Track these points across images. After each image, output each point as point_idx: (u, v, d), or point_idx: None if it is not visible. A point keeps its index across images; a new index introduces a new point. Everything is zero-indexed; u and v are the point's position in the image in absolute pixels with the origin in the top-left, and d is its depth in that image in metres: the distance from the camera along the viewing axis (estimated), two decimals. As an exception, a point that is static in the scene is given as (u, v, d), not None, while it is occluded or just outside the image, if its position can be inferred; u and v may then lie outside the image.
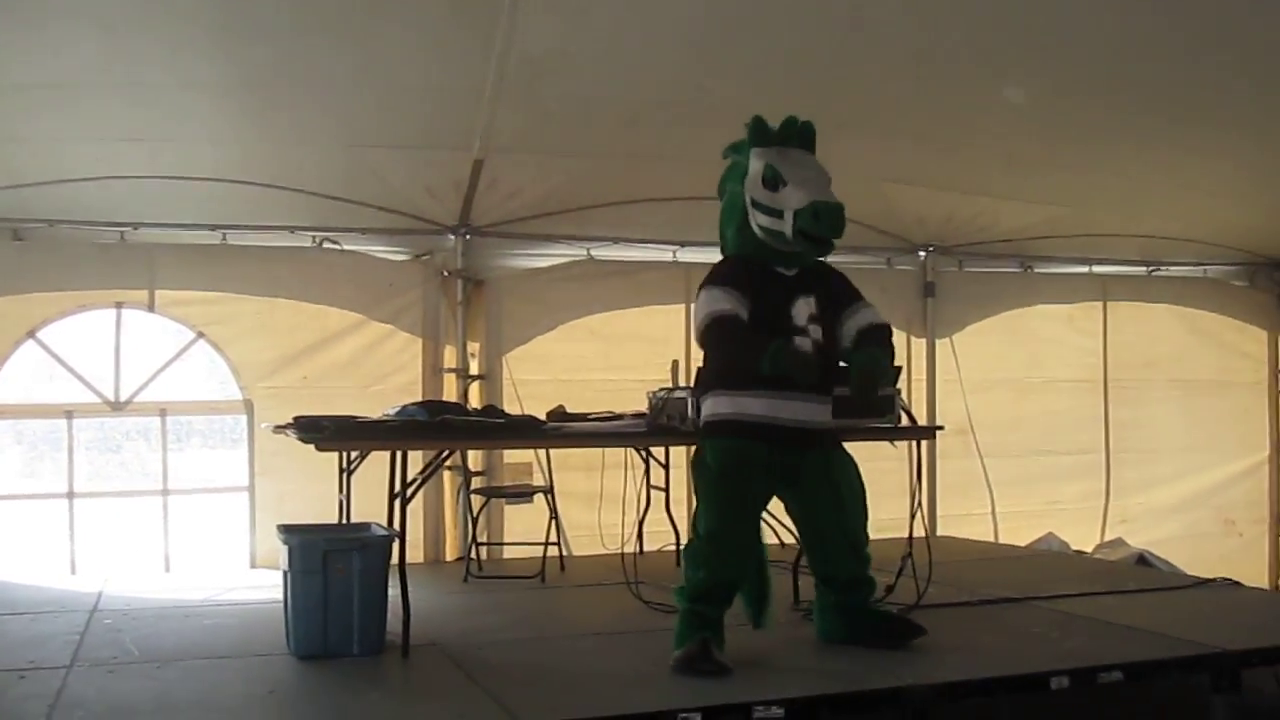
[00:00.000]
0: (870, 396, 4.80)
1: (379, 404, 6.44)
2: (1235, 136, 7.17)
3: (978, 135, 7.17)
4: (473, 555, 7.13)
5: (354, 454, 6.01)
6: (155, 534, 7.39)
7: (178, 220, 7.33)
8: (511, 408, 7.06)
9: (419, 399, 7.15)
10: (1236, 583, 6.63)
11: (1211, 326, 9.95)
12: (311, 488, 6.86)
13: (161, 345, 7.39)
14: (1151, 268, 9.79)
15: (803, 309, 4.77)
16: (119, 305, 7.30)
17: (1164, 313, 9.80)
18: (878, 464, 5.16)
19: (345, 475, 6.31)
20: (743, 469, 4.70)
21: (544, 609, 6.21)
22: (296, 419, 5.35)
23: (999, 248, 9.12)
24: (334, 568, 4.86)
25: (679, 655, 4.56)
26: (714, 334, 4.71)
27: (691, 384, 5.48)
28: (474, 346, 7.98)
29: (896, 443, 5.91)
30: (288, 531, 5.03)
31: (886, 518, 5.59)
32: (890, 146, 7.20)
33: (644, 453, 6.90)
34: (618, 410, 6.29)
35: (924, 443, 7.08)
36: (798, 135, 4.88)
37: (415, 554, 7.10)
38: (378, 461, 5.64)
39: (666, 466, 7.14)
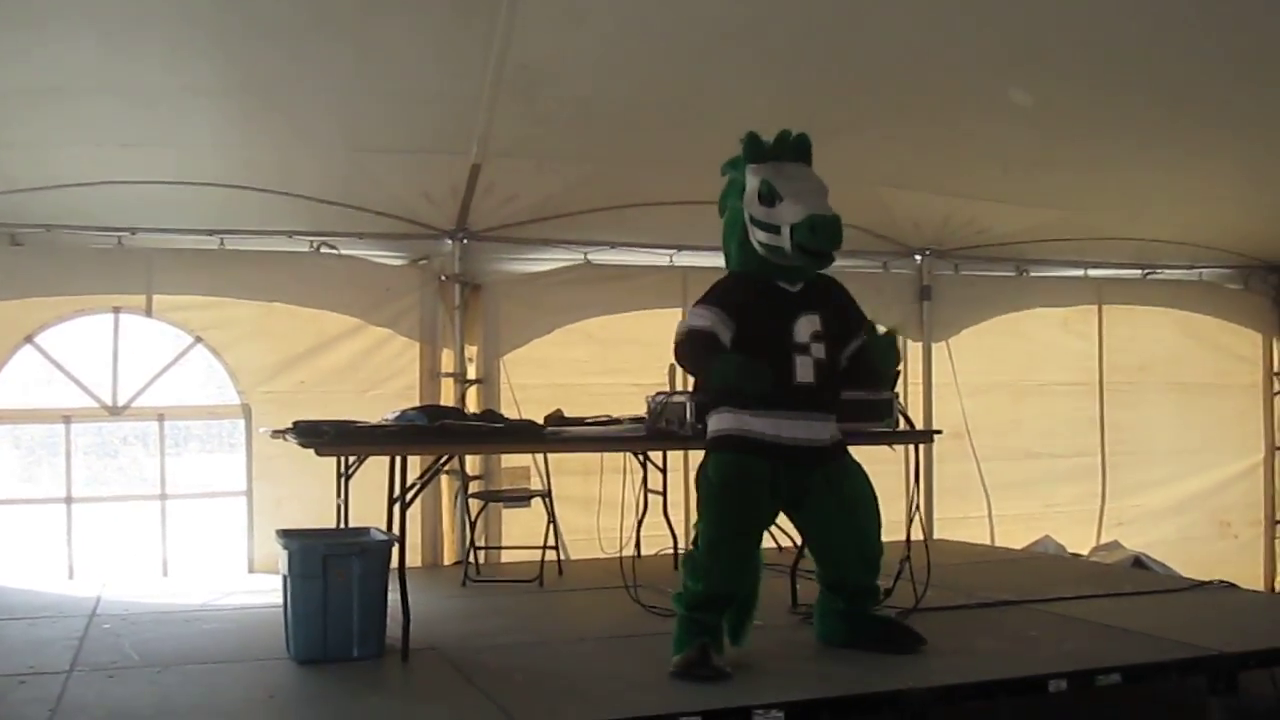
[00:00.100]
0: (888, 364, 4.91)
1: (377, 408, 6.44)
2: (1230, 140, 7.20)
3: (973, 140, 7.19)
4: (471, 559, 7.14)
5: (352, 459, 6.02)
6: (153, 539, 7.39)
7: (175, 225, 7.34)
8: (509, 412, 7.08)
9: (417, 404, 7.13)
10: (1233, 585, 6.66)
11: (1206, 329, 9.99)
12: (309, 492, 6.88)
13: (159, 350, 7.40)
14: (1146, 271, 9.82)
15: (805, 326, 4.78)
16: (117, 310, 7.30)
17: (1159, 316, 9.83)
18: (875, 467, 5.15)
19: (343, 480, 6.32)
20: (743, 483, 4.70)
21: (543, 613, 6.22)
22: (296, 424, 5.36)
23: (994, 251, 9.14)
24: (334, 572, 4.86)
25: (678, 661, 4.57)
26: (684, 349, 4.75)
27: (690, 389, 5.50)
28: (471, 351, 7.99)
29: (894, 446, 5.93)
30: (287, 536, 5.03)
31: (884, 521, 5.58)
32: (886, 151, 7.22)
33: (641, 457, 6.91)
34: (615, 414, 6.30)
35: (921, 446, 7.12)
36: (792, 149, 4.88)
37: (413, 558, 7.09)
38: (375, 466, 5.64)
39: (664, 470, 7.15)
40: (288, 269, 7.59)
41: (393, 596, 5.00)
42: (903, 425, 5.87)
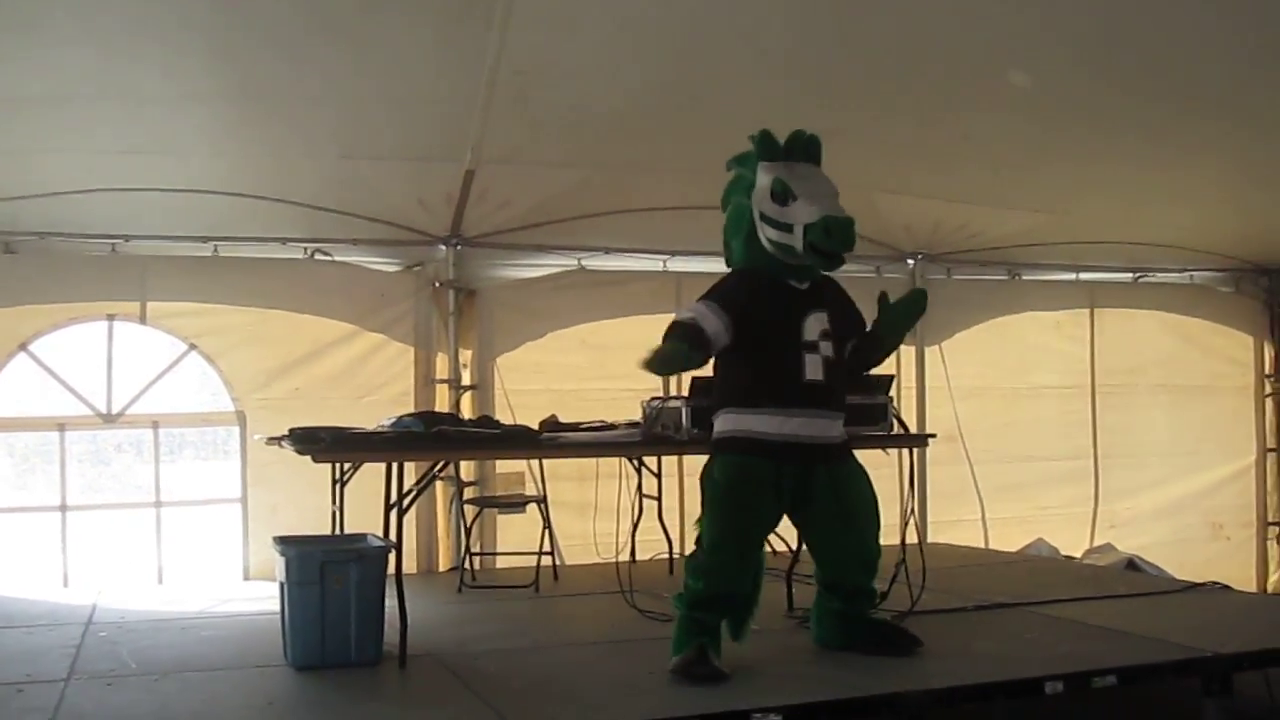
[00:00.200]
0: (907, 318, 4.99)
1: (372, 414, 6.46)
2: (1220, 143, 7.22)
3: (966, 144, 7.20)
4: (466, 565, 7.15)
5: (347, 465, 6.03)
6: (148, 546, 7.39)
7: (169, 232, 7.34)
8: (503, 417, 7.08)
9: (412, 409, 7.17)
10: (1226, 587, 6.68)
11: (1198, 332, 10.04)
12: (304, 499, 6.90)
13: (153, 357, 7.40)
14: (1138, 274, 9.87)
15: (814, 324, 4.79)
16: (111, 317, 7.30)
17: (1150, 319, 9.87)
18: (870, 471, 5.16)
19: (339, 486, 6.34)
20: (748, 485, 4.71)
21: (539, 618, 6.23)
22: (293, 431, 5.37)
23: (986, 255, 9.17)
24: (331, 579, 4.86)
25: (677, 661, 4.59)
26: (667, 334, 4.74)
27: (686, 393, 5.53)
28: (466, 356, 8.01)
29: (888, 450, 5.96)
30: (285, 543, 5.04)
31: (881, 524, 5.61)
32: (878, 155, 7.22)
33: (636, 462, 6.93)
34: (610, 419, 6.32)
35: (915, 450, 7.14)
36: (804, 149, 4.90)
37: (408, 564, 7.04)
38: (369, 473, 5.66)
39: (659, 475, 7.17)
40: (282, 276, 7.60)
41: (389, 603, 5.00)
42: (897, 429, 5.90)
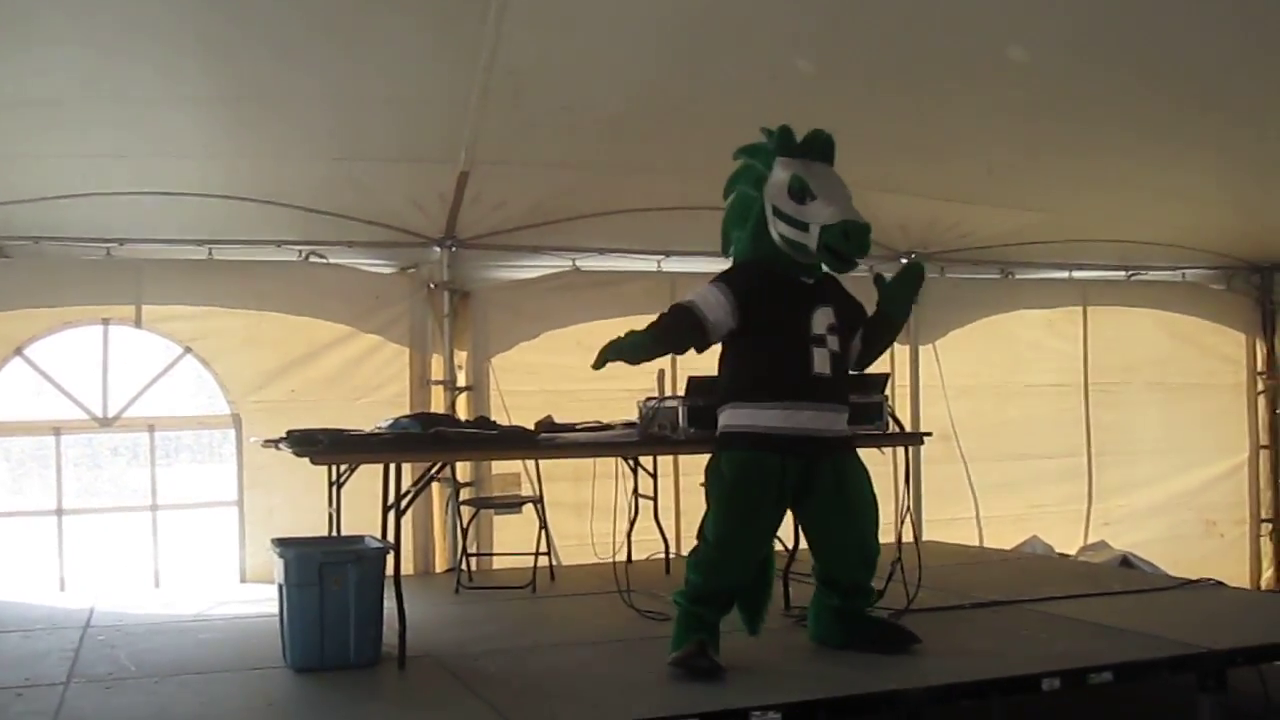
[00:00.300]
0: (907, 289, 5.02)
1: (367, 416, 6.46)
2: (1213, 143, 7.24)
3: (959, 143, 7.22)
4: (463, 566, 7.16)
5: (343, 467, 6.04)
6: (145, 550, 7.38)
7: (164, 236, 7.34)
8: (498, 419, 7.07)
9: (408, 411, 7.18)
10: (1220, 583, 6.72)
11: (1191, 330, 10.07)
12: (300, 501, 6.90)
13: (149, 361, 7.39)
14: (1131, 272, 9.90)
15: (821, 319, 4.81)
16: (106, 321, 7.29)
17: (1143, 317, 9.90)
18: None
19: (335, 488, 6.35)
20: (755, 481, 4.72)
21: (537, 619, 6.24)
22: (290, 433, 5.38)
23: (980, 254, 9.19)
24: (330, 580, 4.87)
25: (676, 656, 4.61)
26: (663, 315, 4.82)
27: (683, 392, 5.54)
28: (461, 357, 8.01)
29: (884, 449, 5.98)
30: (283, 545, 5.05)
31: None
32: (873, 154, 7.20)
33: (632, 462, 6.95)
34: (605, 420, 6.33)
35: (910, 448, 7.17)
36: (821, 149, 4.91)
37: (405, 566, 7.05)
38: (365, 475, 5.68)
39: (655, 475, 7.18)
40: (277, 278, 7.60)
41: (388, 604, 5.01)
42: (892, 428, 5.92)
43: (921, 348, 9.15)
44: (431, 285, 7.91)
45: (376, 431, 5.51)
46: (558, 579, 7.17)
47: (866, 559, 4.97)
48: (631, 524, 6.60)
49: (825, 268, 4.90)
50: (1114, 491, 9.65)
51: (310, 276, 7.68)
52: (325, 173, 7.03)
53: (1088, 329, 9.72)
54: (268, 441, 6.05)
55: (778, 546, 5.55)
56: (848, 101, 6.51)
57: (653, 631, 5.35)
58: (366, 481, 5.61)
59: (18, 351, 7.12)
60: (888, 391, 5.98)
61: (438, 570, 7.81)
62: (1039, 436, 9.47)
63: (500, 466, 7.70)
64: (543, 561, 7.00)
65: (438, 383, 7.91)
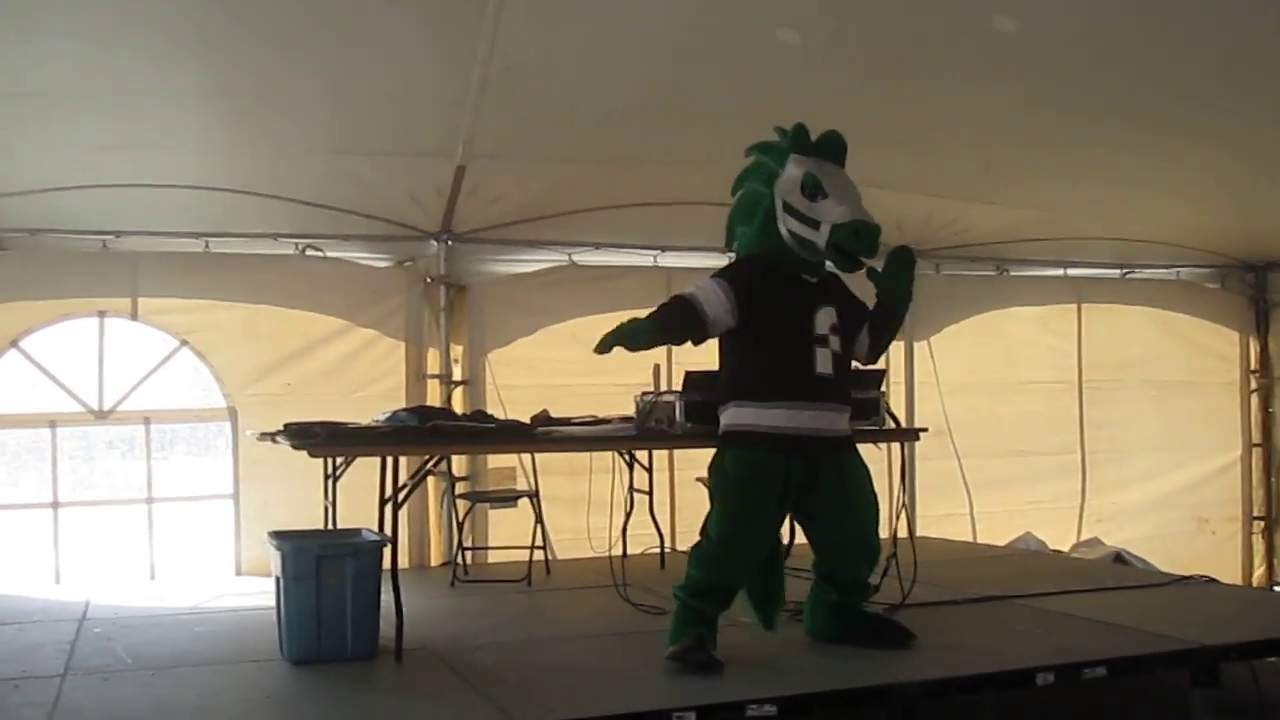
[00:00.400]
0: (900, 273, 5.05)
1: (363, 410, 6.46)
2: (1207, 141, 7.27)
3: (955, 140, 7.24)
4: (459, 560, 7.17)
5: (339, 460, 6.04)
6: (140, 542, 7.38)
7: (161, 228, 7.34)
8: (494, 413, 7.06)
9: (404, 405, 7.16)
10: (1213, 580, 6.74)
11: (1184, 328, 10.10)
12: (296, 494, 6.89)
13: (145, 353, 7.38)
14: (1125, 270, 9.93)
15: (824, 318, 4.82)
16: (102, 314, 7.28)
17: (1138, 314, 9.93)
18: (862, 466, 5.22)
19: (331, 481, 6.34)
20: (759, 480, 4.73)
21: (533, 612, 6.25)
22: (288, 426, 5.38)
23: (975, 251, 9.21)
24: (327, 573, 4.88)
25: (674, 649, 4.63)
26: (661, 307, 4.84)
27: (679, 387, 5.55)
28: (457, 352, 8.01)
29: (879, 444, 5.99)
30: (280, 538, 5.05)
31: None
32: (868, 151, 7.17)
33: (627, 456, 6.95)
34: (601, 414, 6.34)
35: (904, 444, 7.18)
36: (833, 150, 4.93)
37: (401, 559, 7.09)
38: (359, 468, 5.68)
39: (650, 470, 7.19)
40: (273, 271, 7.60)
41: (384, 598, 5.02)
42: (888, 424, 5.93)
43: (916, 344, 9.16)
44: (428, 279, 7.92)
45: (374, 425, 5.51)
46: (553, 573, 7.19)
47: (868, 556, 5.00)
48: (627, 518, 6.61)
49: (830, 266, 4.90)
50: (1107, 488, 9.68)
51: (307, 270, 7.68)
52: (322, 166, 7.03)
53: (1082, 326, 9.74)
54: (265, 434, 6.04)
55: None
56: (843, 98, 6.50)
57: (648, 625, 5.37)
58: (362, 475, 5.61)
59: (13, 344, 7.11)
60: (883, 388, 5.99)
61: (433, 564, 7.82)
62: (1033, 433, 9.49)
63: (496, 461, 7.71)
64: (538, 556, 7.01)
65: (434, 377, 7.91)
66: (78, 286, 7.23)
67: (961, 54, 6.17)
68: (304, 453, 5.11)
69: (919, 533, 8.44)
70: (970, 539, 8.87)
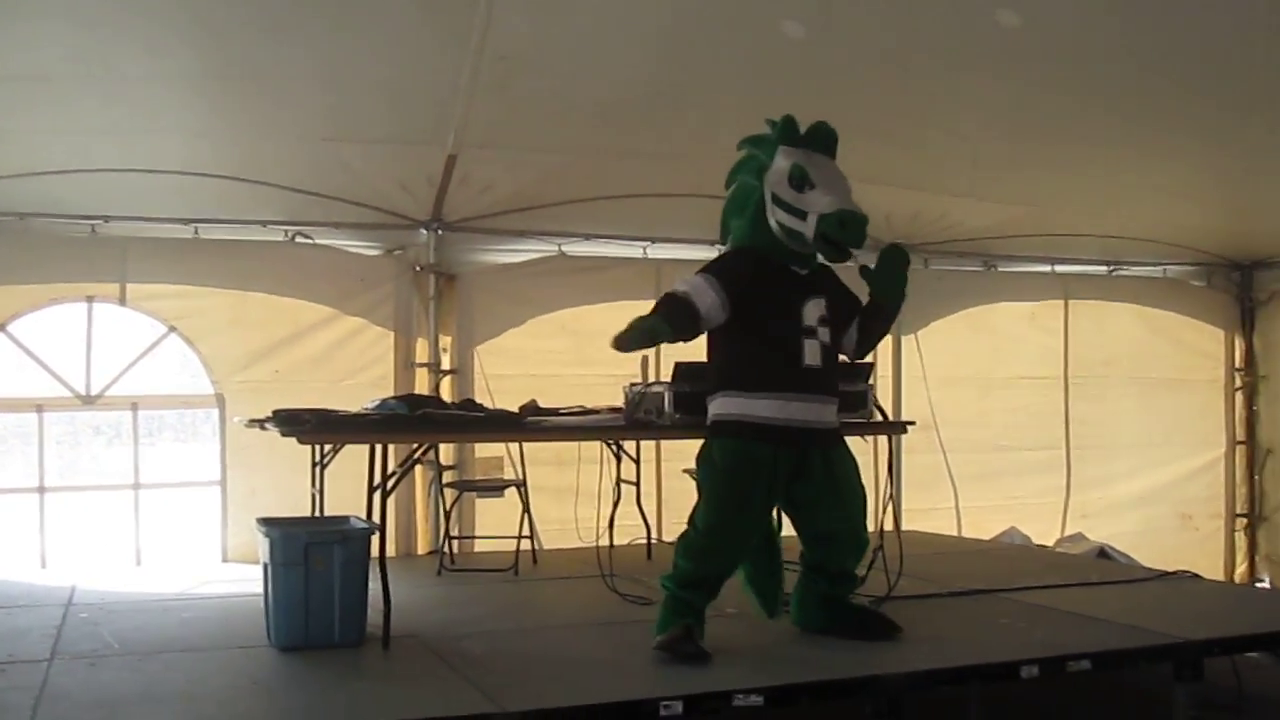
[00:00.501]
0: (894, 272, 5.02)
1: (351, 398, 6.46)
2: (1195, 140, 7.31)
3: (945, 136, 7.27)
4: (446, 549, 7.17)
5: (327, 448, 6.04)
6: (126, 528, 7.37)
7: (150, 214, 7.30)
8: (483, 402, 7.09)
9: (392, 393, 7.17)
10: (1196, 575, 6.79)
11: (1170, 325, 10.15)
12: (283, 481, 6.89)
13: (133, 339, 7.36)
14: (1112, 267, 9.95)
15: (813, 310, 4.84)
16: (90, 299, 7.26)
17: (1124, 311, 9.97)
18: (849, 458, 5.23)
19: (319, 469, 6.35)
20: (747, 471, 4.74)
21: (520, 601, 6.26)
22: (276, 412, 5.37)
23: (964, 246, 9.23)
24: (315, 560, 4.88)
25: (662, 639, 4.65)
26: (657, 306, 4.79)
27: (668, 378, 5.56)
28: (446, 341, 8.01)
29: (866, 437, 6.02)
30: (269, 524, 5.05)
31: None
32: (858, 146, 7.18)
33: (615, 447, 6.96)
34: (589, 405, 6.35)
35: (891, 437, 7.21)
36: (823, 141, 4.93)
37: (388, 547, 7.12)
38: (346, 456, 5.68)
39: (637, 461, 7.20)
40: (262, 258, 7.57)
41: (371, 585, 5.02)
42: (876, 417, 5.95)
43: (904, 338, 9.19)
44: (417, 268, 7.91)
45: (364, 412, 5.52)
46: (540, 563, 7.19)
47: (856, 547, 5.02)
48: (614, 509, 6.63)
49: (820, 258, 4.91)
50: (1092, 484, 9.73)
51: (296, 257, 7.65)
52: (313, 153, 7.01)
53: (1069, 322, 9.78)
54: (253, 421, 6.04)
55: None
56: (834, 92, 6.52)
57: (635, 615, 5.39)
58: (349, 463, 5.61)
59: (1, 328, 7.09)
60: (872, 380, 6.01)
61: (420, 552, 7.82)
62: (1019, 428, 9.53)
63: (483, 450, 7.71)
64: (525, 545, 7.02)
65: (422, 365, 7.91)
66: (66, 271, 7.21)
67: (950, 50, 6.19)
68: (291, 440, 5.10)
69: (904, 526, 8.53)
70: (955, 533, 8.90)
